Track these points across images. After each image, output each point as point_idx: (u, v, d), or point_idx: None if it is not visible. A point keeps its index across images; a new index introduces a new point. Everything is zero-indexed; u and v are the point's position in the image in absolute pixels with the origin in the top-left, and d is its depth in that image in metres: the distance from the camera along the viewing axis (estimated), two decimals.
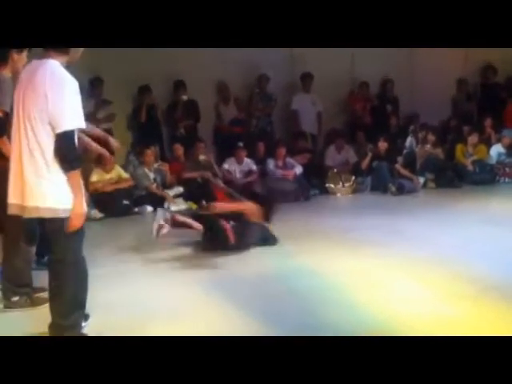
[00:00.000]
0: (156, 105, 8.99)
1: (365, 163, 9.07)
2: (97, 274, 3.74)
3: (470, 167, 9.22)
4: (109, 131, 8.63)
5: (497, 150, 9.49)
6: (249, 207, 5.40)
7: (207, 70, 9.09)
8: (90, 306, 3.35)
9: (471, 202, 7.66)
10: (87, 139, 3.88)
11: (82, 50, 3.16)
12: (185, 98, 9.01)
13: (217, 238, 5.16)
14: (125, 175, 7.96)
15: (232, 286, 4.32)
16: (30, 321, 3.66)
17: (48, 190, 2.99)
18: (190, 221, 5.25)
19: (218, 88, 9.56)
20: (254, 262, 4.97)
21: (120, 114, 8.91)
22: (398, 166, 8.98)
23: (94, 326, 3.38)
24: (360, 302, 3.88)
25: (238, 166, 8.64)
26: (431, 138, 9.19)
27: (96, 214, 7.14)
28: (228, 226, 5.15)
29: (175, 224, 5.10)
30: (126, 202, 7.63)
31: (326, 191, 8.84)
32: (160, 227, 5.01)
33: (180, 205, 7.82)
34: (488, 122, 9.93)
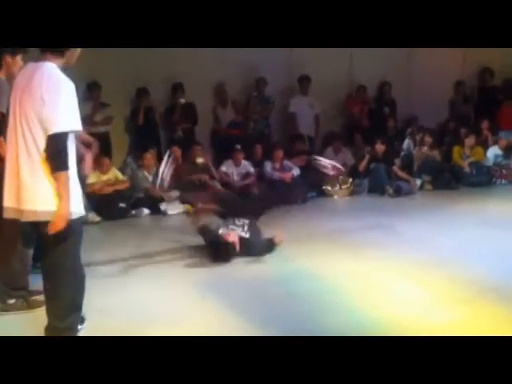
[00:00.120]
0: (154, 107, 8.98)
1: (362, 165, 9.08)
2: (94, 278, 3.75)
3: (467, 169, 9.23)
4: (106, 134, 8.71)
5: (493, 151, 9.51)
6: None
7: (205, 72, 9.08)
8: (87, 309, 3.35)
9: (468, 204, 7.67)
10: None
11: (78, 52, 3.16)
12: (183, 101, 9.01)
13: (219, 252, 5.12)
14: (121, 177, 7.98)
15: (231, 290, 4.32)
16: (27, 323, 3.65)
17: (46, 193, 2.97)
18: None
19: (215, 91, 9.56)
20: (252, 265, 4.97)
21: (118, 116, 8.90)
22: (395, 168, 8.99)
23: (90, 329, 3.38)
24: (359, 304, 3.88)
25: (236, 169, 8.63)
26: (428, 140, 9.20)
27: (94, 217, 7.13)
28: (236, 238, 5.10)
29: None
30: (122, 204, 7.63)
31: (323, 193, 8.84)
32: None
33: (177, 208, 7.81)
34: (485, 124, 9.96)
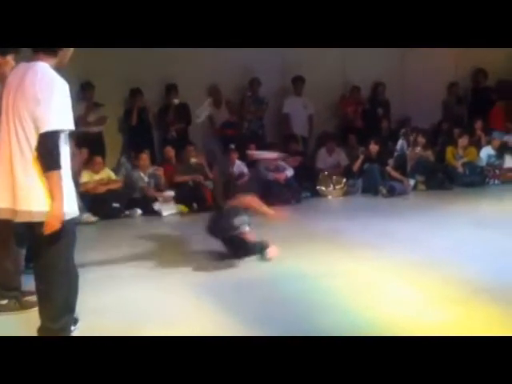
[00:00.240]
0: (147, 108, 8.98)
1: (356, 166, 9.10)
2: (88, 278, 3.73)
3: (461, 169, 9.26)
4: (100, 134, 8.70)
5: (487, 152, 9.55)
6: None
7: (199, 73, 9.09)
8: (81, 310, 3.33)
9: (461, 204, 7.68)
10: None
11: (71, 51, 3.14)
12: (176, 101, 9.02)
13: (240, 250, 5.08)
14: (114, 177, 7.99)
15: (225, 290, 4.31)
16: (19, 324, 3.64)
17: (40, 193, 2.95)
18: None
19: (209, 91, 9.56)
20: (245, 266, 4.96)
21: (111, 116, 8.90)
22: (388, 168, 9.01)
23: (83, 330, 3.36)
24: (352, 304, 3.88)
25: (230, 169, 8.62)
26: (421, 140, 9.23)
27: (89, 217, 7.12)
28: (255, 237, 5.12)
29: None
30: (116, 204, 7.62)
31: (317, 194, 8.85)
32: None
33: (171, 208, 7.80)
34: (478, 124, 9.99)
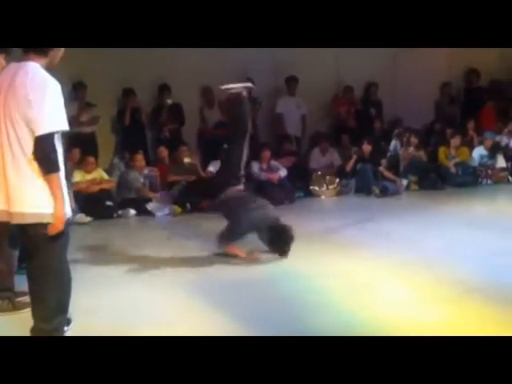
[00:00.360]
0: (140, 108, 8.97)
1: (349, 166, 9.11)
2: (81, 278, 3.72)
3: (453, 169, 9.29)
4: (93, 134, 8.68)
5: (479, 152, 9.58)
6: None
7: (192, 73, 9.07)
8: (73, 310, 3.32)
9: (454, 205, 7.71)
10: None
11: (62, 51, 3.12)
12: (169, 101, 9.01)
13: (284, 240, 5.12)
14: (107, 177, 7.98)
15: (218, 290, 4.30)
16: (12, 325, 3.62)
17: (32, 195, 2.94)
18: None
19: (202, 91, 9.56)
20: (239, 265, 4.95)
21: (104, 116, 8.87)
22: (381, 168, 9.04)
23: (76, 330, 3.35)
24: (346, 304, 3.89)
25: None
26: (414, 140, 9.26)
27: (82, 217, 7.10)
28: None
29: None
30: (109, 203, 7.62)
31: (310, 194, 8.86)
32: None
33: (164, 208, 7.79)
34: (471, 124, 10.03)
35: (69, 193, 3.17)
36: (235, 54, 7.98)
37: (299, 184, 8.91)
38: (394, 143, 9.49)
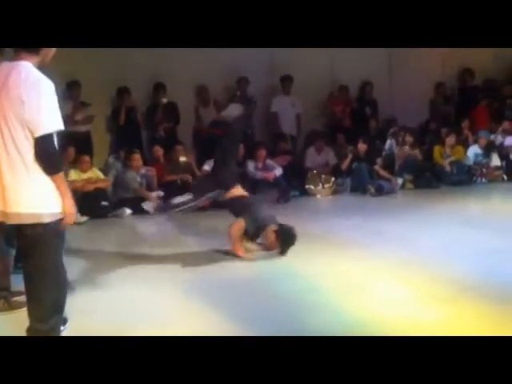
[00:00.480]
0: (135, 107, 8.95)
1: (345, 164, 9.13)
2: (77, 278, 3.72)
3: (448, 168, 9.32)
4: (87, 133, 8.66)
5: (474, 150, 9.61)
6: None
7: (187, 72, 9.07)
8: (70, 310, 3.32)
9: (449, 203, 7.73)
10: None
11: (53, 50, 3.10)
12: (165, 100, 9.01)
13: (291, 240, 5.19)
14: (102, 176, 7.97)
15: (216, 290, 4.30)
16: (8, 324, 3.61)
17: (29, 195, 2.93)
18: None
19: (197, 90, 9.55)
20: (236, 265, 4.95)
21: (99, 116, 8.86)
22: (377, 167, 9.05)
23: (73, 330, 3.35)
24: (342, 304, 3.89)
25: None
26: (409, 139, 9.28)
27: (78, 217, 7.08)
28: None
29: None
30: (104, 203, 7.61)
31: (305, 193, 8.87)
32: None
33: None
34: (465, 123, 10.07)
35: None
36: (230, 53, 7.96)
37: (295, 183, 8.93)
38: (389, 142, 9.51)
